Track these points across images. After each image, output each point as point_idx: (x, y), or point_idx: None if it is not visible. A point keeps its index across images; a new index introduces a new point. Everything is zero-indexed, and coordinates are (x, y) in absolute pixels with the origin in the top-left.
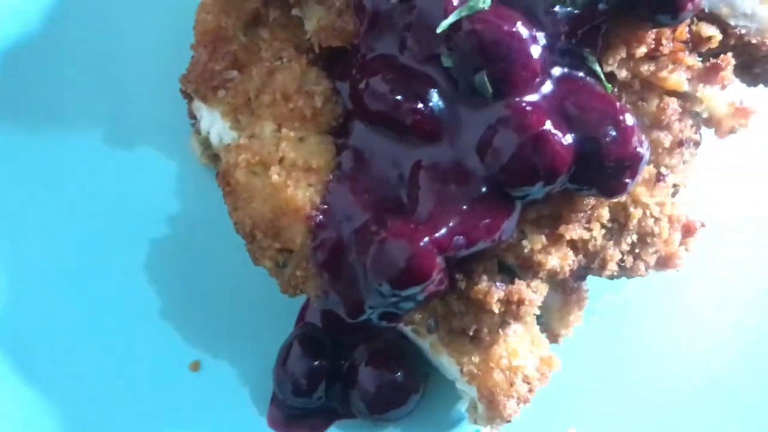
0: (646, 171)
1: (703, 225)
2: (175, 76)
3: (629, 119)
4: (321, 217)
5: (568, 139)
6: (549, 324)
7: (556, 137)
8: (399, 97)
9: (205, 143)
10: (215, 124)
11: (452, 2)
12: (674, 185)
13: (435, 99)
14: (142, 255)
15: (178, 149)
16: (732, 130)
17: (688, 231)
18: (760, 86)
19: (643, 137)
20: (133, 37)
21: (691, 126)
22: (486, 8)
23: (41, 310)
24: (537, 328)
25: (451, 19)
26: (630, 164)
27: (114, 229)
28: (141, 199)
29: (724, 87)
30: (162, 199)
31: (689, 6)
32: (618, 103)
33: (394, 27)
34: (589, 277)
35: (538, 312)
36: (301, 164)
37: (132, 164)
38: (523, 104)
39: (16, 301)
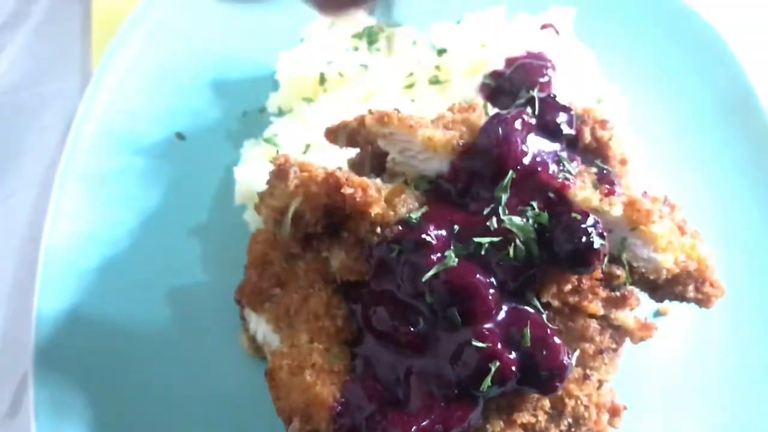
0: (576, 372)
1: (625, 407)
2: (232, 288)
3: (557, 340)
4: (340, 407)
5: (513, 355)
6: None
7: (504, 355)
8: (396, 322)
9: (252, 340)
10: (261, 327)
11: (432, 260)
12: (599, 381)
13: (421, 324)
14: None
15: (233, 343)
16: (642, 339)
17: (614, 412)
18: None
19: (569, 351)
20: (199, 259)
21: (610, 337)
22: (455, 264)
23: None
24: None
25: (432, 272)
26: (558, 373)
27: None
28: (202, 381)
29: (632, 309)
30: (220, 382)
31: (596, 263)
32: (548, 329)
33: (393, 271)
34: None
35: None
36: (326, 368)
37: (196, 353)
38: (482, 330)
39: None
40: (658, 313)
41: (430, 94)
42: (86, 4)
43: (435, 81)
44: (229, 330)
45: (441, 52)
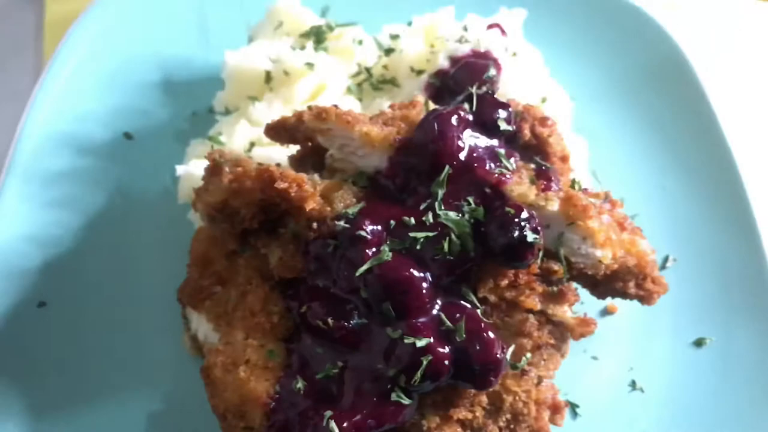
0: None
1: (567, 404)
2: (174, 288)
3: (491, 334)
4: (274, 404)
5: (447, 350)
6: None
7: (437, 349)
8: (331, 318)
9: (194, 339)
10: (201, 326)
11: (368, 254)
12: (538, 376)
13: (356, 319)
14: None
15: (175, 341)
16: (582, 335)
17: (556, 409)
18: None
19: (504, 346)
20: (144, 259)
21: (549, 333)
22: (389, 259)
23: None
24: None
25: (365, 266)
26: (493, 367)
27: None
28: (143, 380)
29: (571, 305)
30: (159, 381)
31: (530, 257)
32: (483, 323)
33: (329, 267)
34: None
35: None
36: (261, 365)
37: (139, 353)
38: (416, 324)
39: None
40: (605, 312)
41: (377, 94)
42: (38, 6)
43: (382, 80)
44: (173, 330)
45: (388, 51)
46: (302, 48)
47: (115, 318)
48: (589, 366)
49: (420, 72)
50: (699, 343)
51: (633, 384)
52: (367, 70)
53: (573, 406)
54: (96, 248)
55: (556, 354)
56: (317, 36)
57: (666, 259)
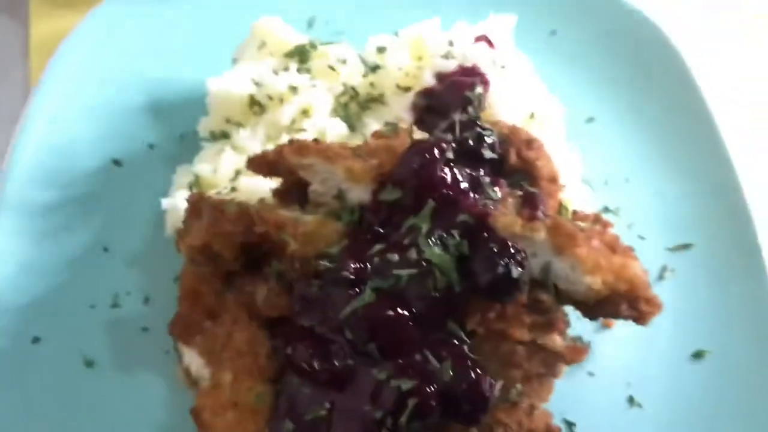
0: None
1: (560, 429)
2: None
3: (478, 372)
4: None
5: (433, 389)
6: None
7: (424, 389)
8: (316, 359)
9: (188, 372)
10: (194, 360)
11: (351, 295)
12: (531, 405)
13: (342, 360)
14: None
15: (169, 373)
16: (574, 361)
17: None
18: None
19: (492, 382)
20: (137, 288)
21: (541, 362)
22: (372, 300)
23: None
24: None
25: (349, 308)
26: (481, 405)
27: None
28: (138, 413)
29: (561, 333)
30: (155, 415)
31: (515, 293)
32: (470, 360)
33: (314, 307)
34: None
35: None
36: (249, 407)
37: (133, 384)
38: (402, 365)
39: None
40: (601, 327)
41: (365, 114)
42: (23, 29)
43: (368, 99)
44: (166, 361)
45: (374, 68)
46: (286, 69)
47: (107, 348)
48: (586, 382)
49: (407, 89)
50: (698, 355)
51: (631, 400)
52: (353, 89)
53: (570, 425)
54: (88, 277)
55: (549, 380)
56: (301, 55)
57: (664, 269)
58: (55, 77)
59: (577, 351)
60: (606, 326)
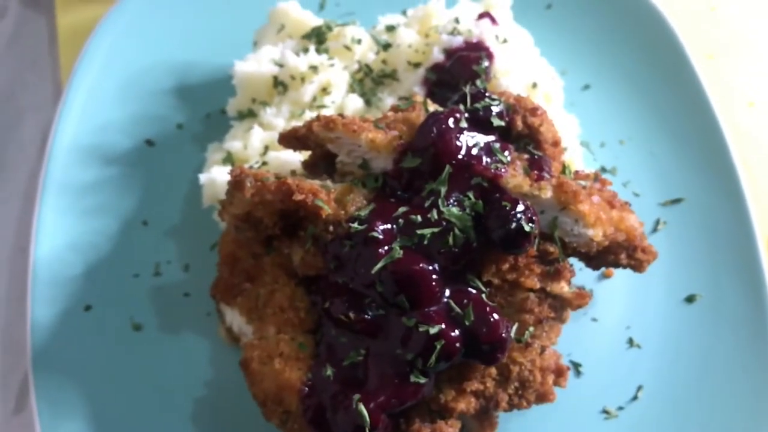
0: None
1: (568, 368)
2: (208, 283)
3: (496, 316)
4: (307, 389)
5: (457, 333)
6: None
7: (449, 333)
8: (352, 311)
9: (229, 330)
10: (235, 319)
11: (380, 253)
12: (541, 347)
13: (374, 311)
14: (185, 410)
15: (212, 335)
16: (579, 306)
17: (560, 373)
18: None
19: (508, 325)
20: (176, 258)
21: (549, 307)
22: (400, 256)
23: None
24: None
25: (380, 264)
26: (499, 345)
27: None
28: (186, 371)
29: (567, 281)
30: (202, 372)
31: (526, 245)
32: (488, 306)
33: (347, 265)
34: None
35: None
36: (293, 356)
37: (179, 346)
38: (428, 313)
39: None
40: (602, 277)
41: (379, 88)
42: (51, 19)
43: (382, 75)
44: (208, 323)
45: (386, 47)
46: (305, 50)
47: (153, 315)
48: (590, 327)
49: (417, 65)
50: (690, 299)
51: (630, 341)
52: (368, 66)
53: (576, 366)
54: (129, 251)
55: (557, 324)
56: (318, 37)
57: (657, 223)
58: (87, 66)
59: (582, 296)
60: (607, 276)
